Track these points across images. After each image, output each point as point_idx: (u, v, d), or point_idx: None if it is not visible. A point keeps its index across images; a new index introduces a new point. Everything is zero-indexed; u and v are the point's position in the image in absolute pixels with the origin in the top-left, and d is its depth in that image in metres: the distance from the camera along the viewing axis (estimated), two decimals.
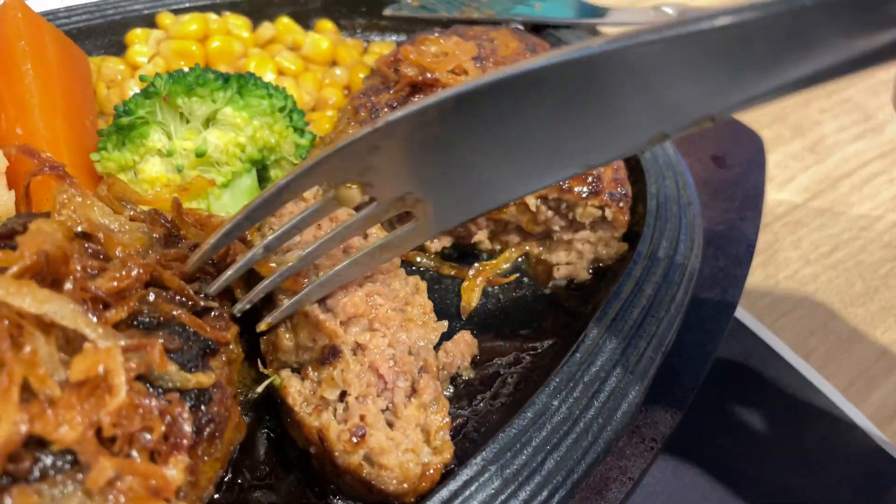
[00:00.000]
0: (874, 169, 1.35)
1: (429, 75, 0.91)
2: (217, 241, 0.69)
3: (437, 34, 0.99)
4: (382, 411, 0.70)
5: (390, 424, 0.70)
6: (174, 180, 0.86)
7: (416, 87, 0.92)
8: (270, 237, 0.69)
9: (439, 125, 0.61)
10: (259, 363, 0.77)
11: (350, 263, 0.73)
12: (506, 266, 0.98)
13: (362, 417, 0.68)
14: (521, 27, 1.18)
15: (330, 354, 0.72)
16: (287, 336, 0.75)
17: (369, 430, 0.67)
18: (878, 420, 0.97)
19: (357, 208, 0.69)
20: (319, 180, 0.66)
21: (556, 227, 0.96)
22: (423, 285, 0.82)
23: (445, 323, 0.80)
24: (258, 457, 0.75)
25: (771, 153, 1.34)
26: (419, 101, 0.60)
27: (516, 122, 0.60)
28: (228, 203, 0.88)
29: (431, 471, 0.67)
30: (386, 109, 0.91)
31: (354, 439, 0.67)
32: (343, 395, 0.71)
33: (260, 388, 0.74)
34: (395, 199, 0.67)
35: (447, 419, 0.71)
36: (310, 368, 0.73)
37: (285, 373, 0.74)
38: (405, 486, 0.65)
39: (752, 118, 1.36)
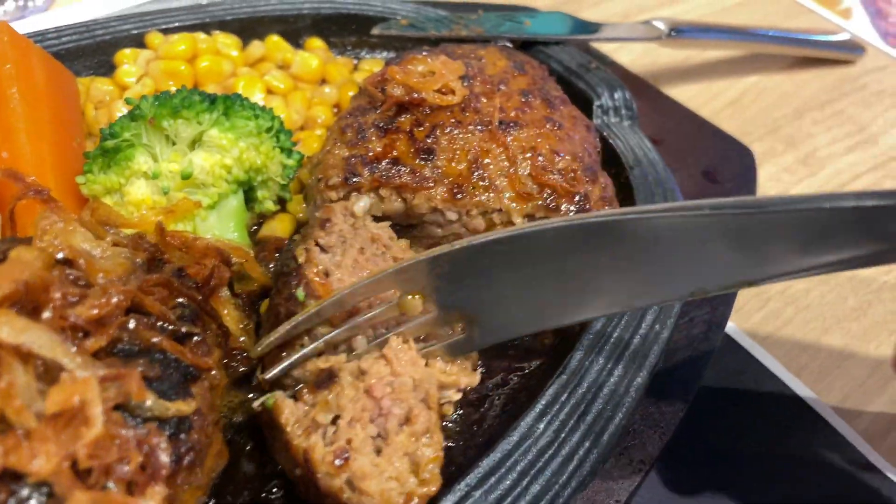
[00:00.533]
0: (866, 181, 1.35)
1: (415, 95, 0.91)
2: (287, 332, 0.74)
3: (425, 53, 0.99)
4: (373, 437, 0.70)
5: (379, 451, 0.69)
6: (160, 202, 0.86)
7: (403, 107, 0.92)
8: (328, 335, 0.74)
9: (504, 255, 0.71)
10: (258, 371, 0.77)
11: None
12: None
13: (349, 441, 0.68)
14: (509, 45, 1.18)
15: (326, 378, 0.73)
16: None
17: (354, 454, 0.67)
18: (870, 436, 0.97)
19: None
20: (388, 288, 0.74)
21: None
22: None
23: (477, 377, 0.79)
24: (241, 481, 0.74)
25: (763, 166, 1.34)
26: (479, 237, 0.70)
27: (565, 263, 0.70)
28: (215, 224, 0.88)
29: (415, 500, 0.66)
30: (371, 130, 0.91)
31: (338, 462, 0.66)
32: (336, 419, 0.70)
33: (256, 404, 0.73)
34: (450, 312, 0.75)
35: (440, 453, 0.70)
36: (305, 391, 0.73)
37: (279, 394, 0.73)
38: None
39: (745, 131, 1.37)
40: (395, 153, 0.88)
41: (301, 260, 0.79)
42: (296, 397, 0.73)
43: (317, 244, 0.81)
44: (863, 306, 1.13)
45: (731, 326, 1.08)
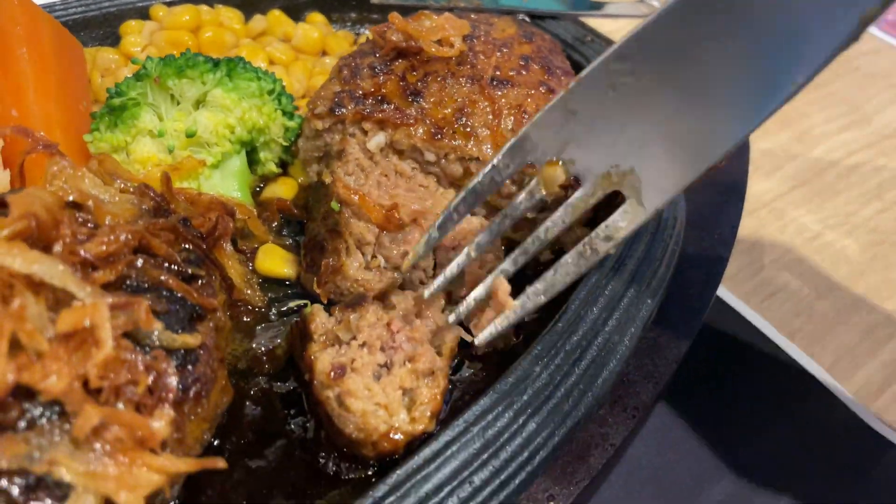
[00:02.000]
0: (860, 158, 1.37)
1: (413, 42, 0.93)
2: (442, 222, 0.74)
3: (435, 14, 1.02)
4: (379, 365, 0.73)
5: (378, 378, 0.72)
6: (165, 160, 0.88)
7: (401, 54, 0.95)
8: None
9: (629, 75, 0.59)
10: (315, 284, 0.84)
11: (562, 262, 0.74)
12: None
13: (352, 361, 0.72)
14: (527, 19, 1.20)
15: (356, 301, 0.77)
16: (355, 265, 0.81)
17: (352, 373, 0.71)
18: (862, 397, 0.98)
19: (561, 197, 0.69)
20: (522, 158, 0.66)
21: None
22: None
23: None
24: (245, 424, 0.76)
25: (758, 143, 1.36)
26: (600, 56, 0.60)
27: (702, 53, 0.57)
28: (218, 183, 0.90)
29: (398, 436, 0.68)
30: (366, 70, 0.94)
31: (333, 375, 0.70)
32: (352, 340, 0.75)
33: (294, 303, 0.82)
34: (602, 176, 0.65)
35: (437, 398, 0.73)
36: (338, 308, 0.78)
37: (317, 305, 0.79)
38: (361, 435, 0.68)
39: None
40: (384, 91, 0.92)
41: (327, 180, 0.86)
42: (330, 312, 0.77)
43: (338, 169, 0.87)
44: (855, 274, 1.15)
45: (725, 292, 1.09)
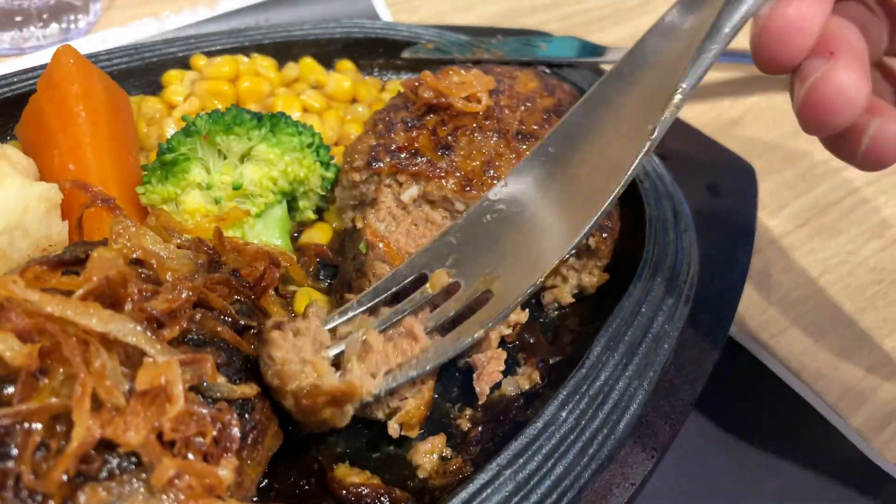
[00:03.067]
0: (861, 196, 1.43)
1: (443, 99, 0.99)
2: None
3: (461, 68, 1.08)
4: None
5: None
6: (212, 211, 0.94)
7: (431, 109, 1.01)
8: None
9: (490, 214, 0.90)
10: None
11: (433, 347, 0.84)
12: None
13: (297, 330, 0.77)
14: (546, 70, 1.26)
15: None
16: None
17: (291, 334, 0.75)
18: (865, 432, 1.04)
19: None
20: (415, 270, 0.87)
21: None
22: None
23: (525, 315, 0.94)
24: (291, 463, 0.81)
25: (764, 182, 1.42)
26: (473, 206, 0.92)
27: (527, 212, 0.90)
28: (261, 231, 0.96)
29: (322, 398, 0.71)
30: (399, 124, 1.00)
31: (271, 325, 0.75)
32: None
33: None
34: (477, 280, 0.86)
35: (422, 409, 0.82)
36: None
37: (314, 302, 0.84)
38: (276, 382, 0.71)
39: (746, 149, 1.44)
40: (416, 145, 0.98)
41: (359, 225, 0.94)
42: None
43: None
44: (857, 312, 1.20)
45: (734, 330, 1.15)
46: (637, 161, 0.83)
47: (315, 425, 0.75)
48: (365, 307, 0.85)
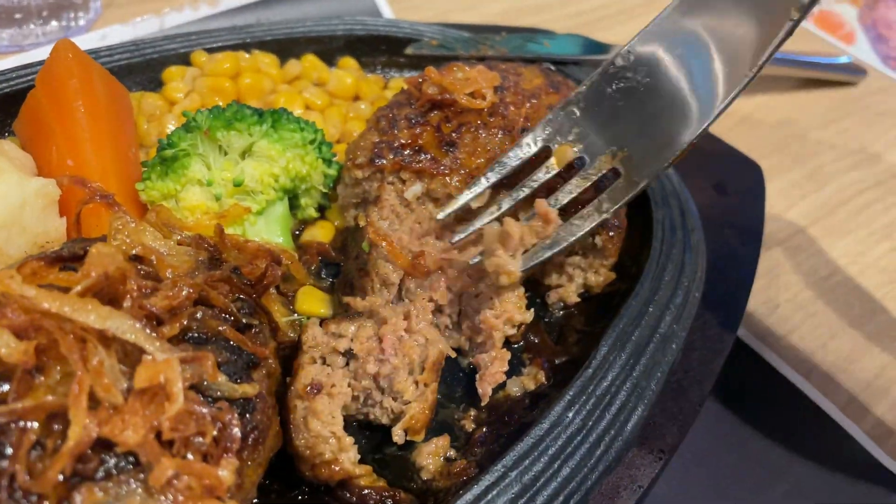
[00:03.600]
0: (870, 197, 1.41)
1: (447, 95, 0.98)
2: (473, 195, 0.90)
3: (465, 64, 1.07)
4: (363, 388, 0.80)
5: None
6: (213, 208, 0.93)
7: (435, 105, 0.99)
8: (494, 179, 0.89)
9: (616, 82, 0.86)
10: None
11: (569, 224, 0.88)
12: None
13: (331, 385, 0.77)
14: (552, 67, 1.25)
15: (348, 317, 0.84)
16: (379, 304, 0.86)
17: (325, 396, 0.76)
18: (875, 436, 1.02)
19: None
20: (544, 142, 0.88)
21: None
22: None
23: (530, 314, 0.91)
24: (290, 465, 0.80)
25: (772, 181, 1.40)
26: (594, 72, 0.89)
27: (672, 64, 0.84)
28: (262, 229, 0.95)
29: (336, 468, 0.73)
30: (403, 121, 0.99)
31: (309, 389, 0.76)
32: (340, 359, 0.81)
33: (286, 319, 0.88)
34: (603, 156, 0.86)
35: (426, 412, 0.81)
36: (331, 323, 0.83)
37: (313, 320, 0.84)
38: (307, 452, 0.73)
39: (754, 148, 1.43)
40: (420, 142, 0.97)
41: (362, 223, 0.93)
42: (322, 327, 0.83)
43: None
44: (867, 314, 1.18)
45: (743, 331, 1.13)
46: (781, 36, 0.79)
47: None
48: (492, 182, 0.87)
